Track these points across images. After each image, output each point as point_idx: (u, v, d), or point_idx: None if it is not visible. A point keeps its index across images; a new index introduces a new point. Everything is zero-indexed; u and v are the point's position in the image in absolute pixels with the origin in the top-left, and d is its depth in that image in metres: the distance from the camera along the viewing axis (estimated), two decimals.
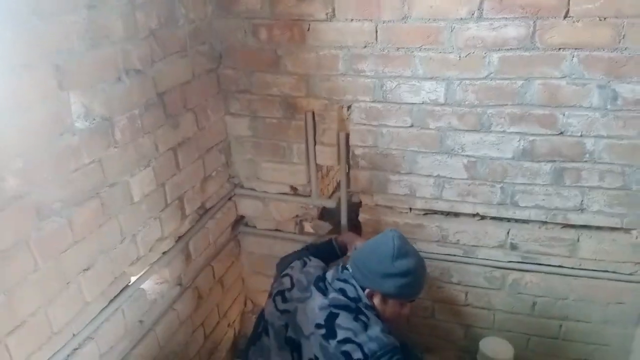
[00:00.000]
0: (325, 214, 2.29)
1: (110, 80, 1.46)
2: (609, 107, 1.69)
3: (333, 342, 1.48)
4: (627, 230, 1.86)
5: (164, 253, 1.78)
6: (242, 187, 2.27)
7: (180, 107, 1.80)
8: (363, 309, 1.55)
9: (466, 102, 1.82)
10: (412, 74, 1.83)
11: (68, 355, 1.39)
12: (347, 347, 1.46)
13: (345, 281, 1.60)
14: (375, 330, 1.50)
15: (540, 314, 2.07)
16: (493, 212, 1.96)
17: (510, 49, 1.70)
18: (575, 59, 1.66)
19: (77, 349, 1.42)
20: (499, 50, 1.71)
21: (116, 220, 1.53)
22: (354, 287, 1.58)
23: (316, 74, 1.95)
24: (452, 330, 2.24)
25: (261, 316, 1.71)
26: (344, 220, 2.18)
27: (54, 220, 1.30)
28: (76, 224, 1.37)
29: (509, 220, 1.97)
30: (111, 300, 1.54)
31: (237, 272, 2.40)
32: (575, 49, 1.65)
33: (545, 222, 1.93)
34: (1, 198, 1.15)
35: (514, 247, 1.99)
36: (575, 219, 1.88)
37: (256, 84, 2.05)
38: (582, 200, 1.85)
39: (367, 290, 1.58)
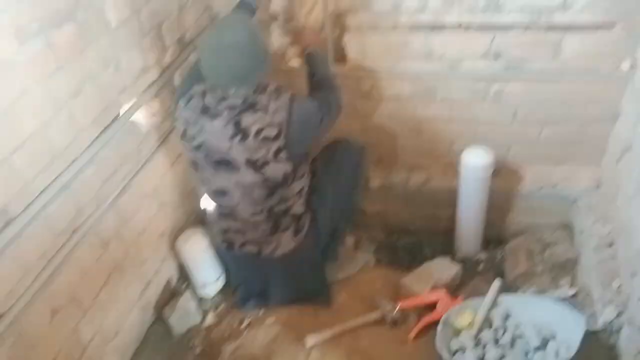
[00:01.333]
0: None
1: None
2: None
3: (250, 139, 1.60)
4: (610, 26, 1.86)
5: (150, 85, 1.78)
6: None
7: None
8: (252, 101, 1.61)
9: None
10: None
11: (72, 178, 1.45)
12: (263, 134, 1.60)
13: (224, 98, 1.61)
14: (273, 105, 1.61)
15: (521, 121, 2.15)
16: (477, 19, 1.93)
17: None
18: None
19: (79, 172, 1.48)
20: None
21: (97, 45, 1.50)
22: (234, 96, 1.60)
23: None
24: (437, 147, 2.34)
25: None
26: (329, 45, 2.14)
27: (34, 43, 1.28)
28: (57, 46, 1.35)
29: (493, 27, 1.96)
30: (105, 128, 1.57)
31: None
32: None
33: (529, 27, 1.91)
34: None
35: (497, 55, 1.99)
36: (560, 18, 1.86)
37: None
38: None
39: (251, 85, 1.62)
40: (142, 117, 1.78)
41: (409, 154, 2.41)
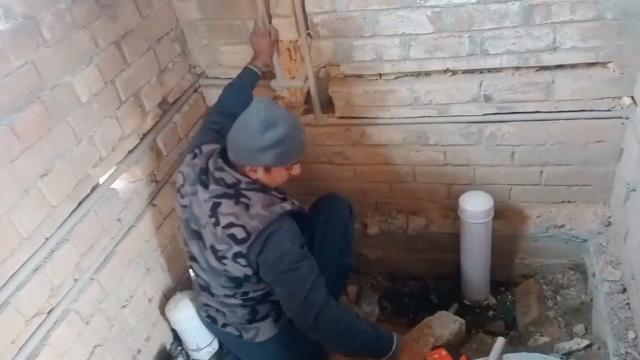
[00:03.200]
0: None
1: None
2: None
3: (219, 229, 1.53)
4: (603, 65, 1.78)
5: (129, 152, 1.76)
6: (206, 77, 2.19)
7: None
8: (243, 191, 1.54)
9: None
10: None
11: (46, 258, 1.42)
12: (232, 230, 1.51)
13: (221, 170, 1.56)
14: (256, 208, 1.51)
15: (520, 163, 2.06)
16: (463, 64, 1.87)
17: None
18: None
19: (54, 250, 1.45)
20: None
21: (66, 123, 1.49)
22: (230, 173, 1.55)
23: None
24: (434, 191, 2.26)
25: None
26: (314, 96, 2.11)
27: None
28: (20, 130, 1.33)
29: (480, 71, 1.89)
30: (80, 202, 1.55)
31: None
32: None
33: (518, 68, 1.85)
34: None
35: (488, 98, 1.92)
36: (549, 59, 1.79)
37: None
38: (554, 38, 1.75)
39: (247, 168, 1.54)
40: (122, 185, 1.76)
41: (406, 199, 2.33)
